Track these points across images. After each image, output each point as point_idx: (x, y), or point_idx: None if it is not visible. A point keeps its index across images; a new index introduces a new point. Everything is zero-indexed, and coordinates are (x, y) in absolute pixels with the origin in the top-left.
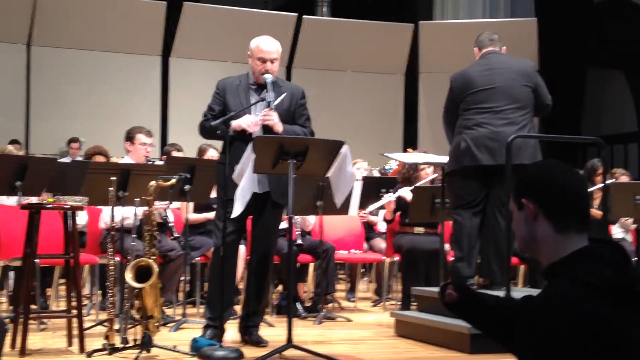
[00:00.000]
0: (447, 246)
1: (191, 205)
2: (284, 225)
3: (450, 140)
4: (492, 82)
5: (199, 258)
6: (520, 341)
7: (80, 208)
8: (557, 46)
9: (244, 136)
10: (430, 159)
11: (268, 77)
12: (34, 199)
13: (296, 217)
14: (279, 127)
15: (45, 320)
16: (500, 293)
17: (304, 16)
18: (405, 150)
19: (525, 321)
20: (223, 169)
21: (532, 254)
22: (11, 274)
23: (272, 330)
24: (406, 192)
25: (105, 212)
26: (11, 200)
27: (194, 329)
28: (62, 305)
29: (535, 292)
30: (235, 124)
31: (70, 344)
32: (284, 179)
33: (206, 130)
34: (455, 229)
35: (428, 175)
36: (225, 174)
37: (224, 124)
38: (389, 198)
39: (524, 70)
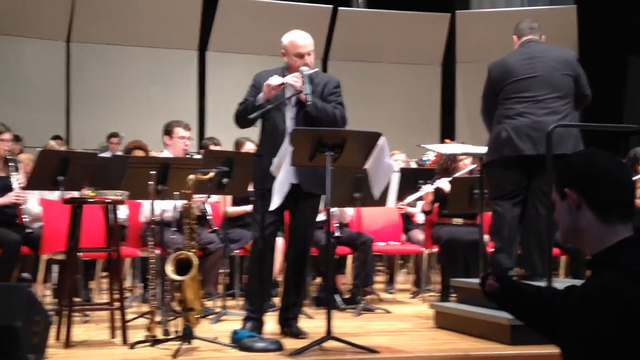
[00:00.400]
0: (486, 237)
1: (229, 198)
2: (321, 217)
3: (489, 129)
4: (533, 71)
5: (237, 251)
6: (564, 331)
7: (121, 202)
8: (598, 34)
9: (275, 128)
10: (468, 150)
11: (305, 70)
12: (75, 194)
13: (334, 209)
14: (305, 90)
15: (88, 312)
16: (542, 284)
17: (340, 8)
18: (442, 141)
19: (569, 311)
20: (259, 161)
21: (576, 244)
22: (55, 268)
23: (312, 322)
24: (444, 183)
25: (146, 205)
26: (54, 195)
27: (234, 321)
28: (105, 298)
29: (577, 282)
30: (262, 91)
31: (113, 335)
32: (315, 169)
33: (240, 115)
34: (495, 220)
35: (466, 166)
36: (261, 166)
37: (262, 116)
38: (427, 189)
39: (565, 59)
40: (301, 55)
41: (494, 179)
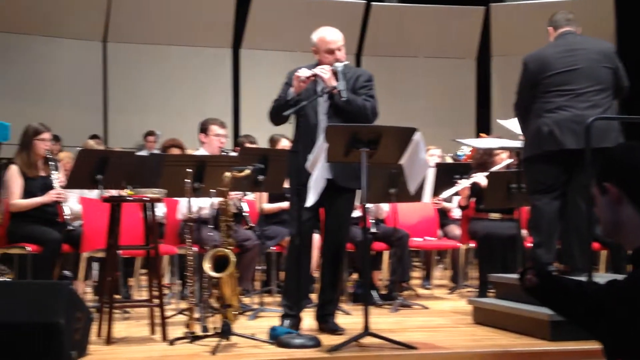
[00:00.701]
0: (524, 232)
1: (265, 195)
2: (357, 213)
3: (523, 123)
4: (573, 64)
5: (274, 247)
6: (605, 326)
7: (159, 200)
8: (636, 25)
9: (309, 124)
10: (504, 144)
11: (339, 66)
12: (114, 192)
13: (370, 205)
14: (331, 81)
15: (128, 309)
16: (582, 279)
17: (373, 3)
18: (478, 136)
19: (611, 305)
20: (294, 157)
21: (616, 239)
22: (95, 265)
23: (349, 318)
24: (481, 178)
25: (183, 203)
26: (93, 194)
27: (271, 317)
28: (144, 295)
29: (618, 277)
30: (293, 85)
31: (153, 332)
32: (349, 163)
33: (273, 112)
34: (534, 214)
35: (503, 161)
36: (295, 162)
37: (296, 112)
38: (463, 184)
39: (604, 51)
40: (331, 51)
41: (533, 173)
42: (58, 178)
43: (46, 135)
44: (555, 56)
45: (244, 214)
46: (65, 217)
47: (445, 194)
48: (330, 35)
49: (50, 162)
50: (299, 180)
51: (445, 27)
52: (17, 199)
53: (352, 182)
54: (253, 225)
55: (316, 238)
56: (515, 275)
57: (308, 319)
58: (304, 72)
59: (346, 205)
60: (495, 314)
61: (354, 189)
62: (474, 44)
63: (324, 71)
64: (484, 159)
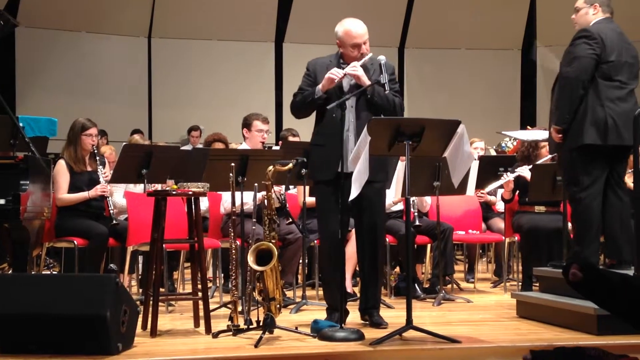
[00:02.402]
0: (569, 225)
1: (307, 188)
2: (400, 206)
3: (568, 109)
4: (625, 55)
5: (316, 241)
6: None
7: (203, 194)
8: None
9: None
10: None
11: (382, 59)
12: (158, 186)
13: (413, 198)
14: (364, 79)
15: (172, 302)
16: (629, 272)
17: None
18: (523, 128)
19: None
20: (318, 150)
21: None
22: (140, 259)
23: (391, 312)
24: (525, 171)
25: (226, 197)
26: (138, 188)
27: (314, 311)
28: (188, 288)
29: None
30: (322, 84)
31: (197, 324)
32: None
33: (296, 105)
34: (581, 209)
35: (548, 154)
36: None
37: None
38: (508, 177)
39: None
40: (358, 46)
41: (582, 164)
42: (104, 173)
43: (93, 131)
44: (617, 41)
45: (286, 209)
46: (110, 211)
47: (490, 187)
48: (356, 29)
49: (97, 157)
50: (327, 174)
51: (489, 17)
52: (64, 194)
53: (378, 175)
54: (294, 220)
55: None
56: (559, 270)
57: (352, 313)
58: (337, 73)
59: (376, 197)
60: (539, 308)
61: (380, 180)
62: (519, 34)
63: (356, 69)
64: (529, 151)
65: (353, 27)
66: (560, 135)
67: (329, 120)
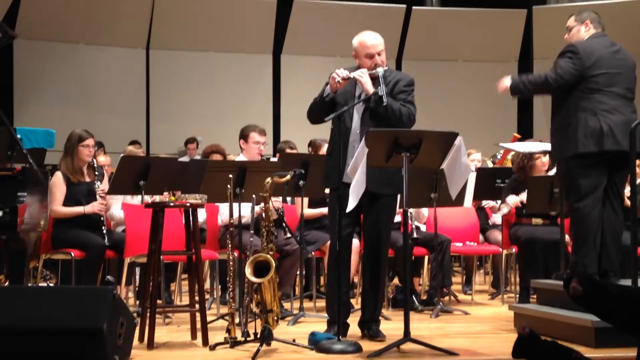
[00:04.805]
0: (567, 237)
1: (306, 200)
2: (397, 218)
3: (528, 93)
4: (618, 67)
5: (314, 252)
6: None
7: (201, 205)
8: None
9: (344, 127)
10: (546, 147)
11: (380, 71)
12: (157, 198)
13: (411, 210)
14: (367, 86)
15: (169, 314)
16: (626, 284)
17: (413, 7)
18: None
19: None
20: (329, 160)
21: None
22: (137, 270)
23: (389, 324)
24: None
25: (223, 208)
26: (135, 200)
27: (312, 323)
28: (185, 300)
29: None
30: (329, 85)
31: (194, 337)
32: (378, 169)
33: (310, 110)
34: (580, 219)
35: (543, 165)
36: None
37: (338, 119)
38: (513, 203)
39: (634, 62)
40: (371, 56)
41: (578, 174)
42: (99, 187)
43: (90, 142)
44: (606, 55)
45: (283, 224)
46: (103, 230)
47: (499, 214)
48: (370, 39)
49: (95, 170)
50: (333, 181)
51: (486, 30)
52: (59, 206)
53: (383, 188)
54: (292, 233)
55: (356, 244)
56: (557, 282)
57: (351, 325)
58: (341, 72)
59: (384, 211)
60: (537, 320)
61: (388, 194)
62: (516, 47)
63: (362, 75)
64: (524, 162)
65: (367, 38)
66: (504, 86)
67: (338, 130)
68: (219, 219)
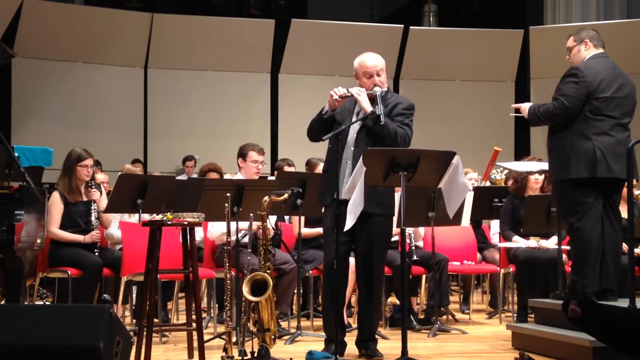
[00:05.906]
0: (564, 256)
1: (303, 219)
2: (395, 237)
3: (539, 122)
4: (620, 90)
5: (311, 271)
6: None
7: (199, 224)
8: None
9: (340, 144)
10: (543, 167)
11: (377, 90)
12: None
13: (409, 229)
14: (365, 104)
15: (166, 333)
16: (614, 302)
17: (411, 27)
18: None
19: None
20: (323, 177)
21: None
22: (134, 289)
23: (387, 343)
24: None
25: (214, 227)
26: (133, 218)
27: (309, 342)
28: (182, 319)
29: None
30: (327, 103)
31: (191, 355)
32: (373, 188)
33: (309, 127)
34: (580, 240)
35: (537, 183)
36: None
37: (335, 137)
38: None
39: (633, 85)
40: (370, 75)
41: (575, 196)
42: (95, 209)
43: (88, 162)
44: (608, 77)
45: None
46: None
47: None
48: (369, 60)
49: (94, 189)
50: (326, 199)
51: (483, 50)
52: (56, 227)
53: (375, 207)
54: (291, 253)
55: (352, 262)
56: (555, 301)
57: (349, 344)
58: (339, 90)
59: (377, 230)
60: (534, 340)
61: (377, 214)
62: (512, 67)
63: (360, 93)
64: (520, 181)
65: (366, 58)
66: (522, 110)
67: (334, 147)
68: (209, 233)
